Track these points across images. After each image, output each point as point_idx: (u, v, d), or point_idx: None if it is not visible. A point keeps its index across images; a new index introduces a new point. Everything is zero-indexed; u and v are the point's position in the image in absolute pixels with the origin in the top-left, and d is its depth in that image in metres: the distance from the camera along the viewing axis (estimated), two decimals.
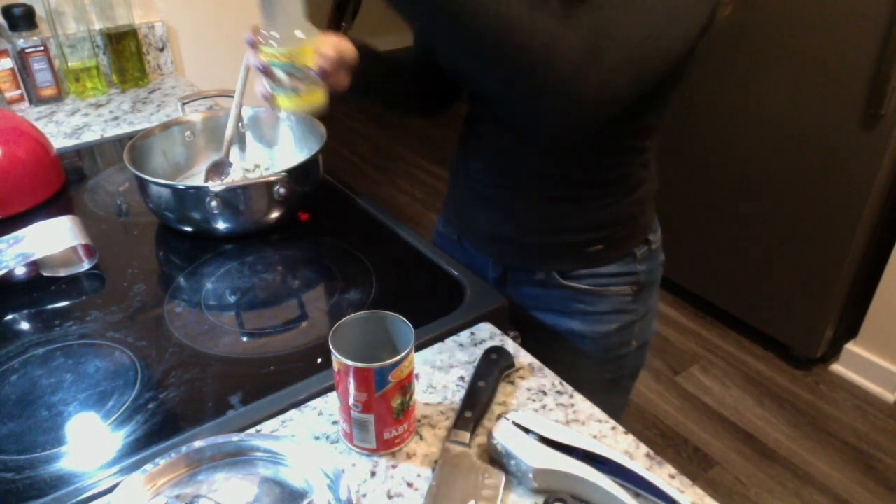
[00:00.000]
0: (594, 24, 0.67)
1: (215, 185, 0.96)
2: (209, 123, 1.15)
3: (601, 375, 1.00)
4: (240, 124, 1.12)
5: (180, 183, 1.06)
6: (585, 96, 0.67)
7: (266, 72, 0.76)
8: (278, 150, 1.15)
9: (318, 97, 0.78)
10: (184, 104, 1.17)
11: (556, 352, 0.97)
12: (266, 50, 0.74)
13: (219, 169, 1.09)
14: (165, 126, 1.12)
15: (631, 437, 0.69)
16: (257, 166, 1.16)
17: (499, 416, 0.69)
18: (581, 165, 0.87)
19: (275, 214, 1.02)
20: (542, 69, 0.66)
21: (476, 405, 0.70)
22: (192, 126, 1.15)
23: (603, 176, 0.89)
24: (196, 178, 1.13)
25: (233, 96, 1.07)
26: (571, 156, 0.87)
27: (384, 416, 0.65)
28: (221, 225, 0.99)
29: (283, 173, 0.97)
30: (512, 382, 0.76)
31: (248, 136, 1.14)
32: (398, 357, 0.62)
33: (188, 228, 1.01)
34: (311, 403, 0.73)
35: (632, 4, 0.68)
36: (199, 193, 0.96)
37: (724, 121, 2.02)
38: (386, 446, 0.67)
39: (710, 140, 2.08)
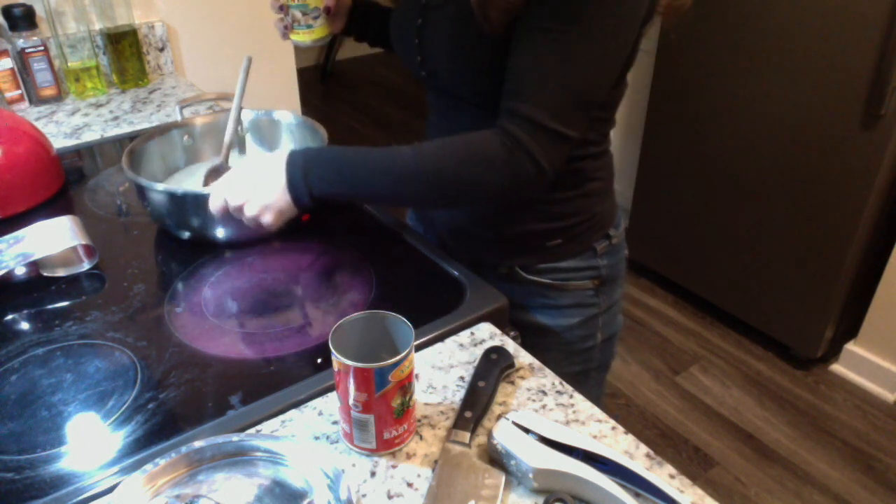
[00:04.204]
0: (522, 114, 0.74)
1: None
2: (208, 127, 1.15)
3: (569, 368, 1.01)
4: (239, 128, 1.11)
5: (179, 189, 1.05)
6: (552, 166, 0.76)
7: (284, 10, 0.98)
8: (278, 153, 1.15)
9: (323, 32, 1.01)
10: (182, 108, 1.16)
11: (522, 345, 0.98)
12: None
13: (218, 174, 1.08)
14: (164, 130, 1.11)
15: (631, 437, 0.69)
16: None
17: (499, 416, 0.69)
18: None
19: None
20: (493, 193, 0.80)
21: (476, 405, 0.70)
22: (191, 130, 1.14)
23: None
24: (195, 182, 1.12)
25: (232, 99, 1.07)
26: None
27: (384, 416, 0.65)
28: (221, 232, 0.97)
29: None
30: (512, 382, 0.76)
31: (248, 139, 1.14)
32: (398, 357, 0.62)
33: (187, 234, 1.00)
34: (311, 403, 0.73)
35: (562, 62, 0.72)
36: (198, 199, 0.95)
37: (723, 121, 2.02)
38: (386, 446, 0.67)
39: (710, 140, 2.08)
